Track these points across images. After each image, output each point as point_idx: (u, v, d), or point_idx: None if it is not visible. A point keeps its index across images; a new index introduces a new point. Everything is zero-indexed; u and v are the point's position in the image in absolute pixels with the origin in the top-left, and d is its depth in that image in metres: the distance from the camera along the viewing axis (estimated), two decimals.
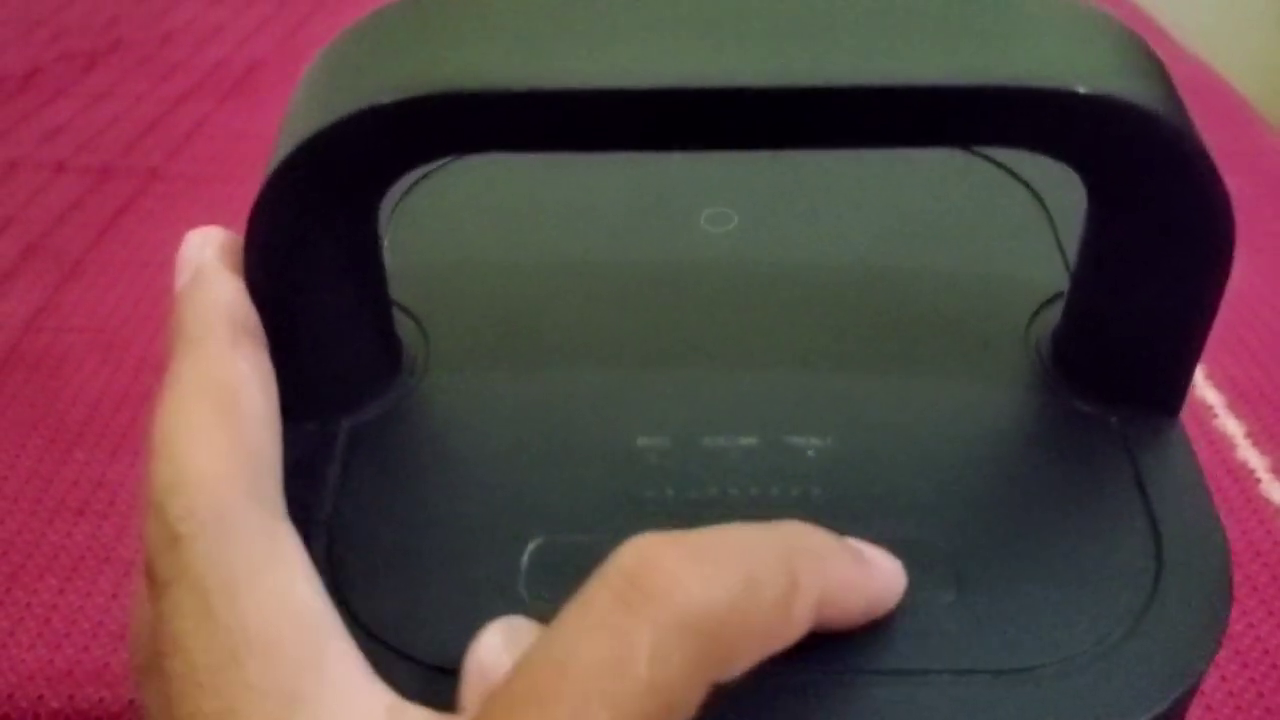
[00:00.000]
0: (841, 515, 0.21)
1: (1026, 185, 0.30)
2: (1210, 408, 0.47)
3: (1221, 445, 0.45)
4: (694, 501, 0.22)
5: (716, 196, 0.30)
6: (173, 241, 0.61)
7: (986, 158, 0.31)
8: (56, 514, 0.41)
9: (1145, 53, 0.21)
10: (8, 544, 0.40)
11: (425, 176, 0.31)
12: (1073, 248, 0.27)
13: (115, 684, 0.35)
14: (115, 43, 0.77)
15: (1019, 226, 0.29)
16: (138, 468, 0.43)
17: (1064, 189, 0.30)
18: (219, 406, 0.20)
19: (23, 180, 0.61)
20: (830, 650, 0.19)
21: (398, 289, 0.25)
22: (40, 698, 0.35)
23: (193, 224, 0.64)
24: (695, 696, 0.17)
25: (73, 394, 0.47)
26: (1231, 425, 0.46)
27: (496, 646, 0.19)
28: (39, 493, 0.42)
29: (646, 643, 0.16)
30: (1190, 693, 0.20)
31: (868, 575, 0.20)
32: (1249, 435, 0.45)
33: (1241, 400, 0.47)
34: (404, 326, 0.26)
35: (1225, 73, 0.67)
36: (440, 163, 0.30)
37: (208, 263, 0.22)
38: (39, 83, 0.71)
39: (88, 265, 0.55)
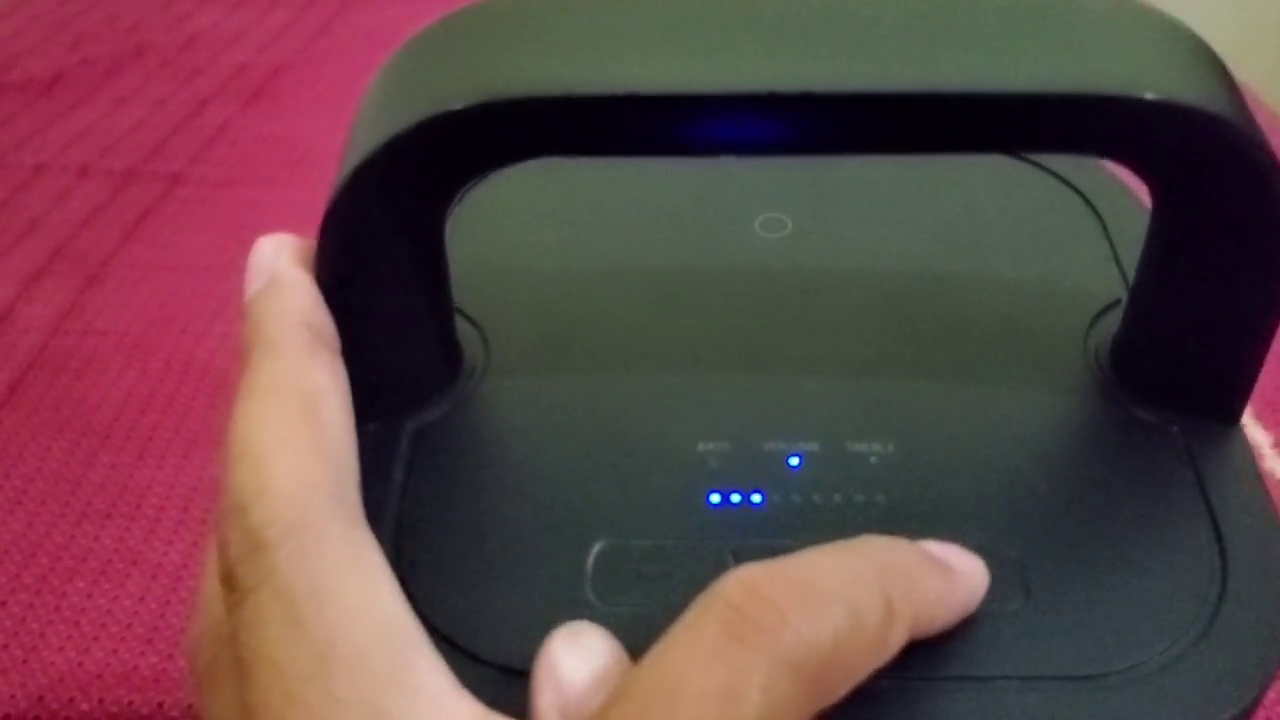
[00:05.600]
0: (906, 522, 0.21)
1: (1079, 192, 0.30)
2: None
3: None
4: (757, 507, 0.22)
5: (770, 202, 0.30)
6: (196, 245, 0.62)
7: (1040, 165, 0.31)
8: (84, 517, 0.41)
9: (1210, 57, 0.21)
10: (36, 547, 0.40)
11: (481, 181, 0.31)
12: (1128, 255, 0.27)
13: (145, 686, 0.35)
14: (138, 48, 0.77)
15: (1074, 233, 0.29)
16: (164, 470, 0.43)
17: (1118, 196, 0.30)
18: (300, 413, 0.20)
19: (48, 184, 0.62)
20: (899, 657, 0.19)
21: (456, 293, 0.25)
22: (70, 700, 0.35)
23: (216, 227, 0.64)
24: None
25: (99, 396, 0.47)
26: (1259, 435, 0.46)
27: (568, 655, 0.19)
28: (66, 495, 0.42)
29: (759, 678, 0.17)
30: (1257, 700, 0.20)
31: (955, 585, 0.20)
32: (1276, 445, 0.45)
33: (1268, 410, 0.47)
34: (463, 330, 0.26)
35: (1244, 77, 0.67)
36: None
37: (283, 269, 0.22)
38: (63, 87, 0.72)
39: (112, 268, 0.55)
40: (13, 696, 0.35)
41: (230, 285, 0.54)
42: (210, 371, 0.48)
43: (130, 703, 0.35)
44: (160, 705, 0.35)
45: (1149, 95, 0.19)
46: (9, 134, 0.67)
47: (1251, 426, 0.46)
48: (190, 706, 0.35)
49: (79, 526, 0.41)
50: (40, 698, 0.35)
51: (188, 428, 0.45)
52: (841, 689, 0.18)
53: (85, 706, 0.35)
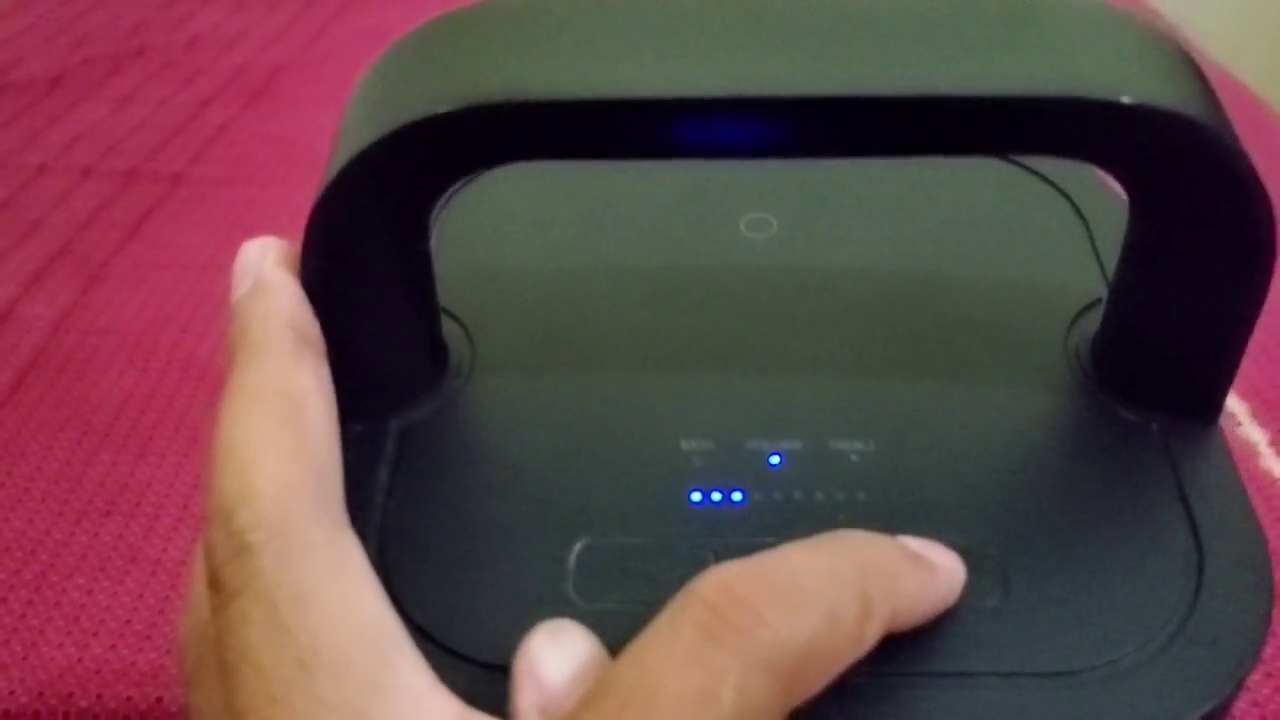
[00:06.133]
0: (886, 520, 0.21)
1: (1063, 192, 0.30)
2: (1233, 416, 0.46)
3: (1245, 454, 0.45)
4: (738, 505, 0.23)
5: (756, 203, 0.30)
6: (197, 245, 0.62)
7: (1022, 165, 0.31)
8: (84, 514, 0.42)
9: (1186, 61, 0.21)
10: (36, 544, 0.40)
11: (467, 183, 0.31)
12: (1109, 254, 0.28)
13: (143, 682, 0.36)
14: (139, 48, 0.77)
15: (1056, 233, 0.29)
16: (164, 468, 0.44)
17: (1100, 196, 0.30)
18: (285, 417, 0.20)
19: (49, 184, 0.62)
20: (878, 652, 0.19)
21: (442, 293, 0.25)
22: (69, 695, 0.35)
23: (217, 227, 0.64)
24: None
25: (100, 395, 0.47)
26: (1255, 434, 0.46)
27: (548, 653, 0.19)
28: (66, 493, 0.42)
29: (734, 678, 0.17)
30: (1232, 696, 0.20)
31: (933, 580, 0.20)
32: (1272, 444, 0.45)
33: (1265, 408, 0.47)
34: (449, 330, 0.26)
35: (1241, 75, 0.67)
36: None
37: (268, 272, 0.22)
38: (64, 88, 0.72)
39: (114, 268, 0.55)
40: (12, 692, 0.35)
41: (231, 285, 0.54)
42: (211, 370, 0.48)
43: (129, 698, 0.35)
44: (159, 700, 0.35)
45: (1125, 99, 0.19)
46: (11, 134, 0.67)
47: (1248, 425, 0.46)
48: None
49: (79, 524, 0.41)
50: (39, 693, 0.35)
51: (188, 426, 0.46)
52: (817, 685, 0.18)
53: (84, 702, 0.35)
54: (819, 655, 0.18)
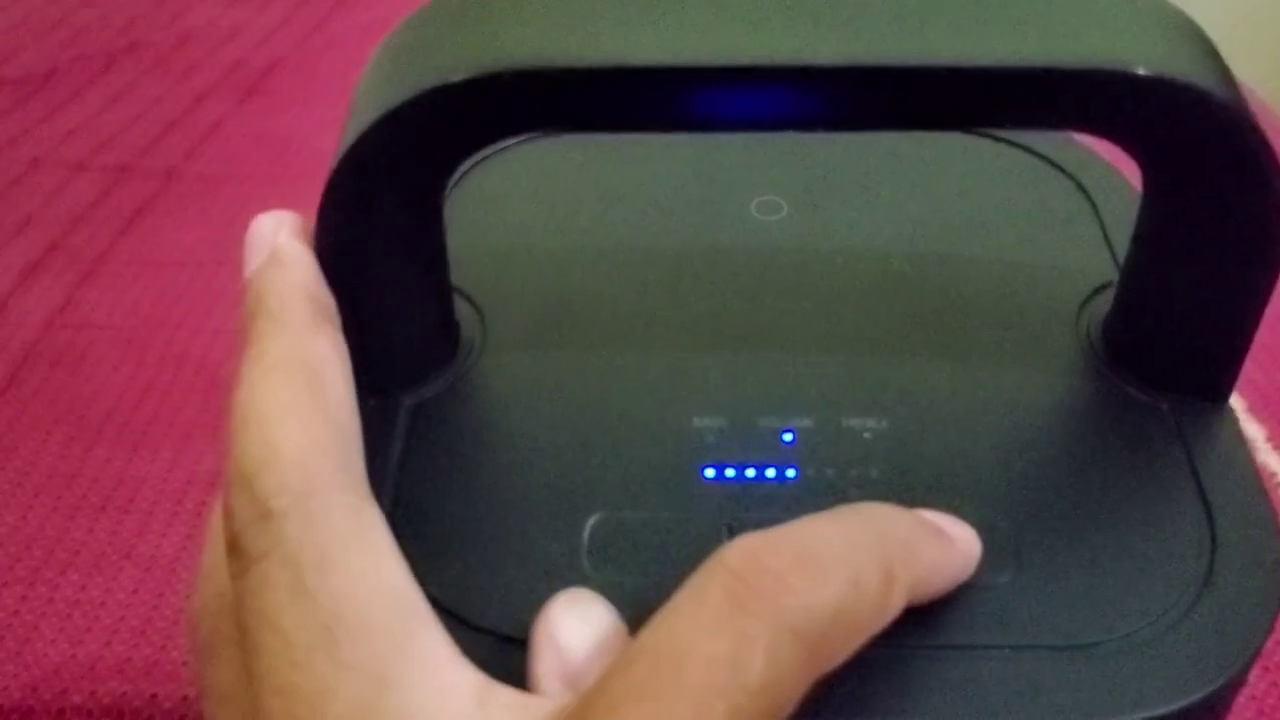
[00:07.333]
0: (899, 497, 0.21)
1: (1072, 177, 0.31)
2: None
3: None
4: (751, 481, 0.23)
5: (766, 185, 0.30)
6: (190, 241, 0.62)
7: (1031, 150, 0.32)
8: (78, 510, 0.41)
9: (1199, 35, 0.21)
10: (31, 540, 0.40)
11: (479, 161, 0.31)
12: (1119, 238, 0.28)
13: (137, 678, 0.36)
14: (133, 43, 0.77)
15: (1066, 217, 0.29)
16: (158, 464, 0.43)
17: (1109, 180, 0.30)
18: (305, 385, 0.20)
19: (43, 179, 0.62)
20: (892, 626, 0.19)
21: (454, 271, 0.25)
22: (63, 691, 0.35)
23: (211, 224, 0.64)
24: (801, 692, 0.18)
25: (93, 391, 0.47)
26: (1252, 429, 0.46)
27: (567, 620, 0.19)
28: (61, 489, 0.42)
29: (762, 644, 0.17)
30: (1243, 673, 0.20)
31: (951, 552, 0.20)
32: (1270, 439, 0.45)
33: (1262, 404, 0.47)
34: (460, 308, 0.26)
35: (1241, 75, 0.67)
36: (493, 147, 0.31)
37: (284, 244, 0.22)
38: (57, 83, 0.72)
39: (107, 263, 0.55)
40: (5, 688, 0.35)
41: (225, 281, 0.54)
42: (205, 366, 0.48)
43: (123, 694, 0.35)
44: (153, 697, 0.35)
45: (1141, 70, 0.19)
46: (4, 129, 0.67)
47: (1245, 420, 0.46)
48: (185, 699, 0.35)
49: (73, 519, 0.41)
50: (33, 689, 0.35)
51: (182, 422, 0.45)
52: (842, 654, 0.18)
53: (78, 698, 0.35)
54: (845, 623, 0.18)
